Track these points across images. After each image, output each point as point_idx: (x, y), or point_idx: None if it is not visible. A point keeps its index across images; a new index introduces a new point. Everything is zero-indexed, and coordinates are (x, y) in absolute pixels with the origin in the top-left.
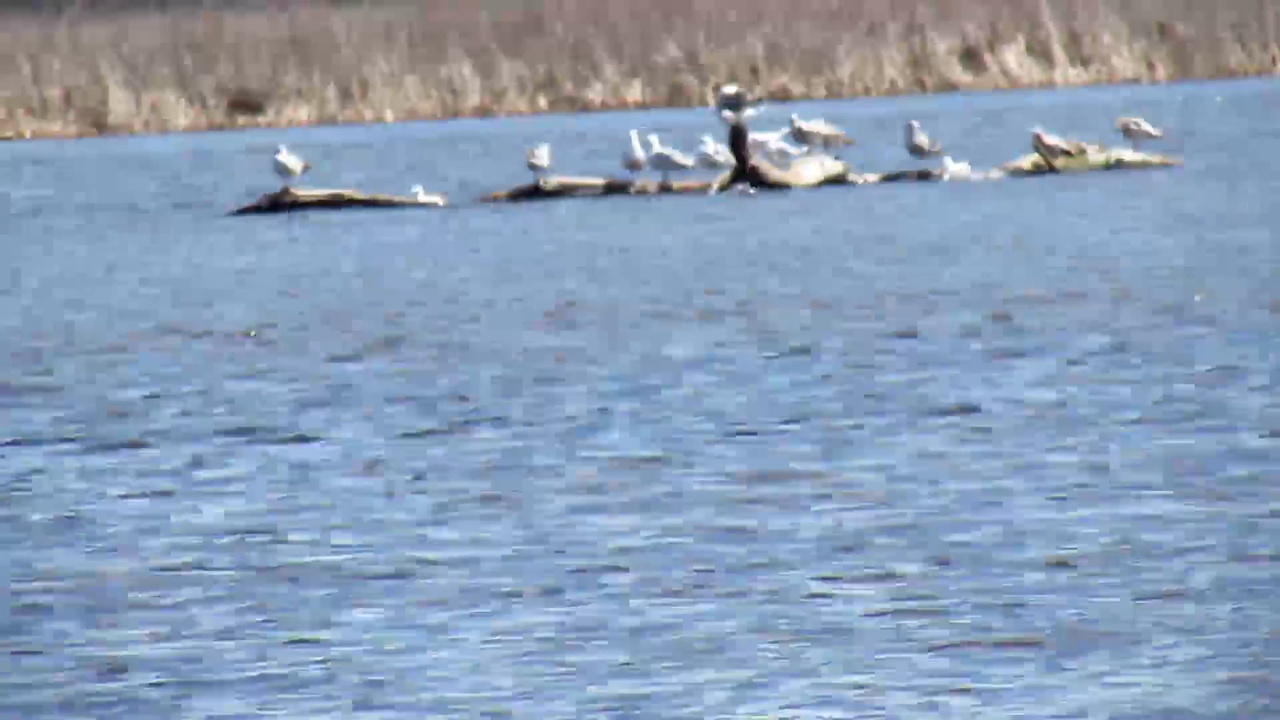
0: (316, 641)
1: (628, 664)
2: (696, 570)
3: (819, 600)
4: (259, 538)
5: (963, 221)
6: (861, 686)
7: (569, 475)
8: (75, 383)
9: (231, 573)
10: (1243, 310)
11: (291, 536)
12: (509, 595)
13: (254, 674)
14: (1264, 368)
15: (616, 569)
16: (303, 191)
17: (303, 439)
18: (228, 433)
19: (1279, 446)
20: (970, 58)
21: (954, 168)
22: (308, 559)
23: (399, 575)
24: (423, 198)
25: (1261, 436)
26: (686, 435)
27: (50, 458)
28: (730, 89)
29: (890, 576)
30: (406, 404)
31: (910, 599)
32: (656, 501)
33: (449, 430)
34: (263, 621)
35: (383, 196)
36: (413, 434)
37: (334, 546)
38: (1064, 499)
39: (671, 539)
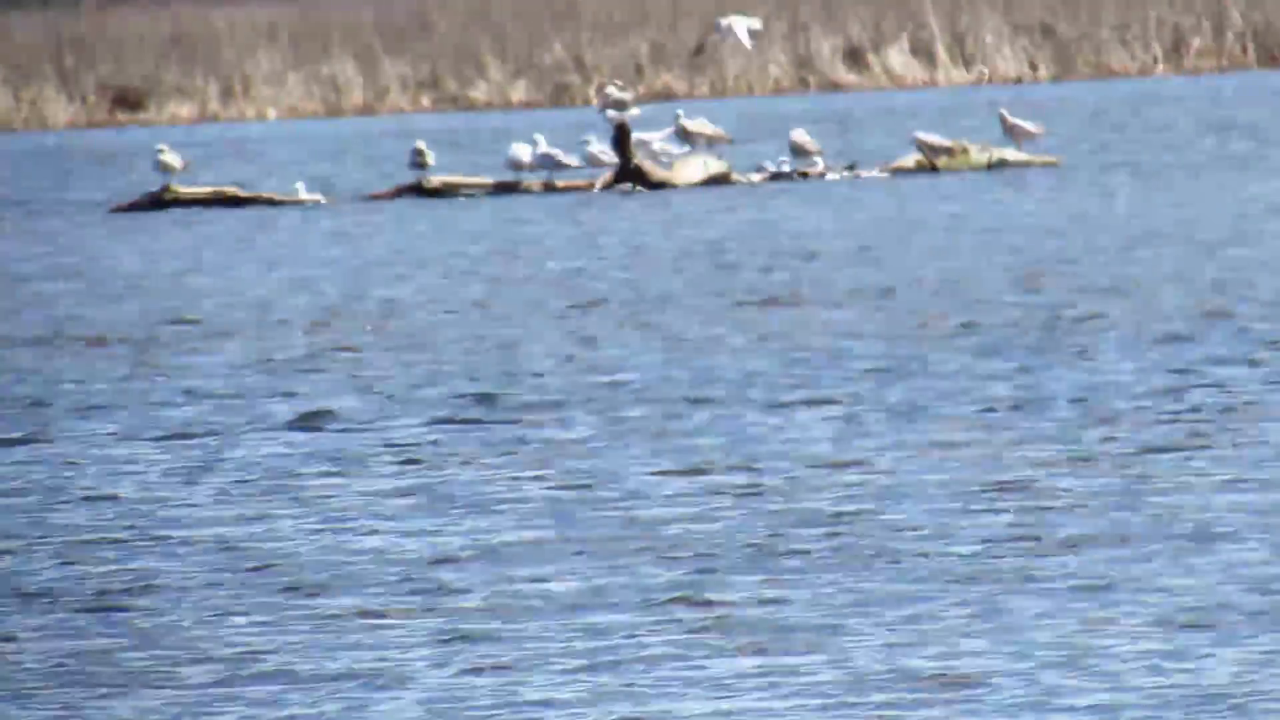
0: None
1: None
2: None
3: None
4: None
5: (837, 221)
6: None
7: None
8: None
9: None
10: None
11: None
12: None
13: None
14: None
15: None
16: (184, 189)
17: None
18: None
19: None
20: (854, 58)
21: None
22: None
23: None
24: (304, 196)
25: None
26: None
27: None
28: (614, 89)
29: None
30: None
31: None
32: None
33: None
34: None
35: (264, 194)
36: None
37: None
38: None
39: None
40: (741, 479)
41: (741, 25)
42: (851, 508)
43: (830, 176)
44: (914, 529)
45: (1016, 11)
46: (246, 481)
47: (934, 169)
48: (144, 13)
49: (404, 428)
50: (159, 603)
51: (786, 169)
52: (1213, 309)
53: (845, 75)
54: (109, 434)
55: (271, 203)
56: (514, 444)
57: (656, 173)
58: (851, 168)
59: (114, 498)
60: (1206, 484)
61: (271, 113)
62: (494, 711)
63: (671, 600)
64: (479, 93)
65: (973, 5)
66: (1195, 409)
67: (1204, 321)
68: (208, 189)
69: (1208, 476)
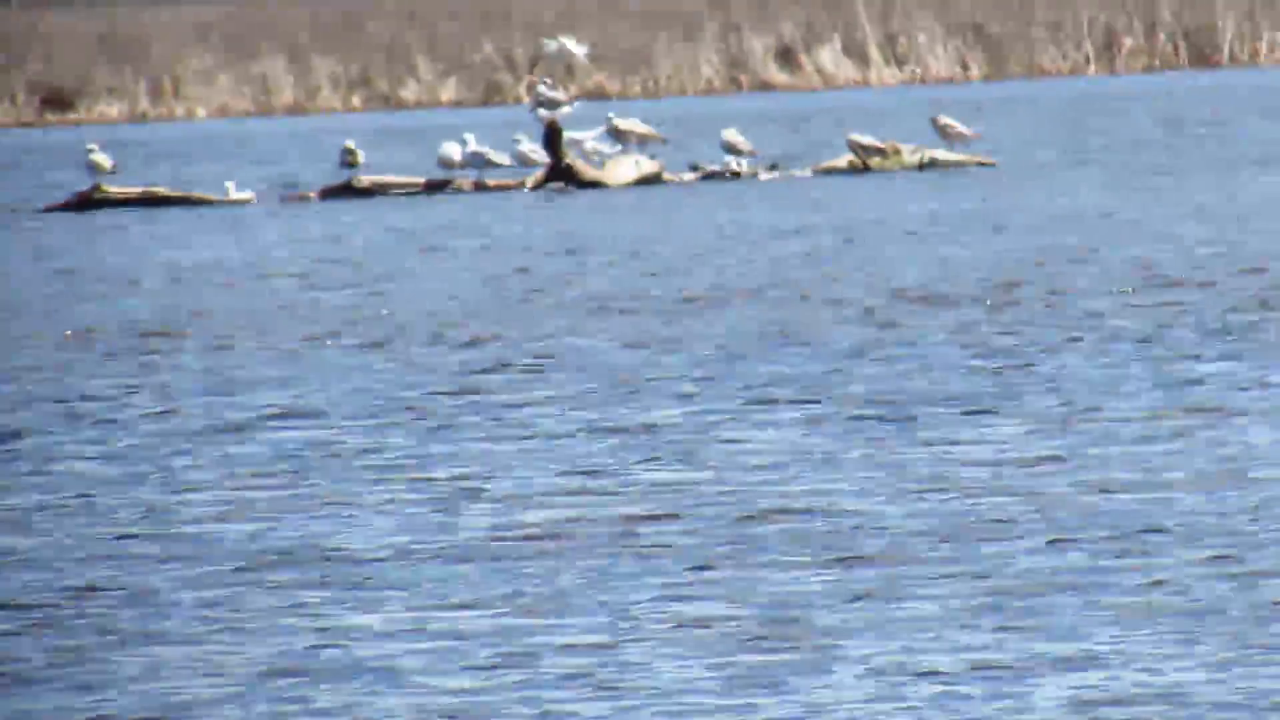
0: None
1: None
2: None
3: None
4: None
5: (771, 219)
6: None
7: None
8: None
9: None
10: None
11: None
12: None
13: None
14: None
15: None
16: (114, 189)
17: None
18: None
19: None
20: (786, 57)
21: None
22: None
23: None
24: (234, 195)
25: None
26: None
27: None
28: (546, 88)
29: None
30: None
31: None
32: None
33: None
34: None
35: (195, 194)
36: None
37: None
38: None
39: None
40: (699, 473)
41: (571, 43)
42: (803, 504)
43: (762, 176)
44: (863, 523)
45: (949, 12)
46: (199, 481)
47: (866, 169)
48: (74, 12)
49: (340, 426)
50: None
51: (719, 168)
52: (1147, 300)
53: (777, 75)
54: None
55: (201, 202)
56: (445, 449)
57: (588, 172)
58: (774, 167)
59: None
60: (1170, 479)
61: (201, 112)
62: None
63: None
64: (410, 92)
65: (905, 5)
66: (1158, 405)
67: (1132, 314)
68: (137, 189)
69: (1166, 472)
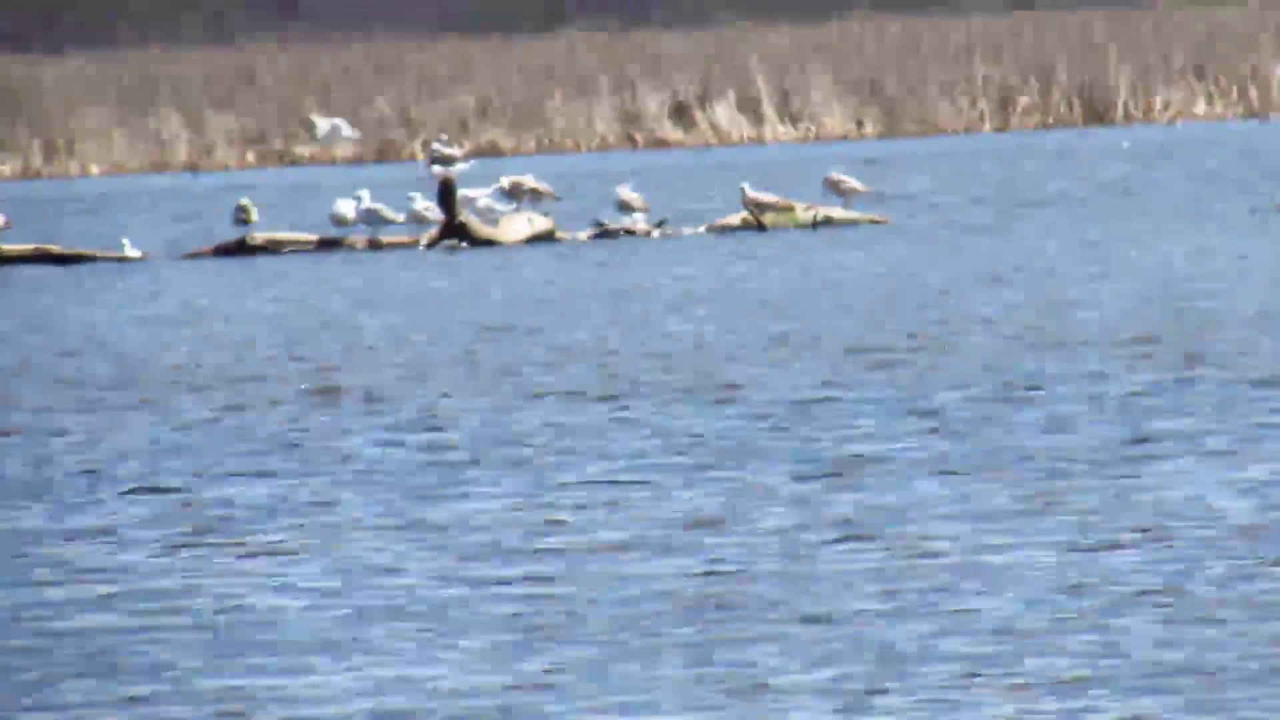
0: None
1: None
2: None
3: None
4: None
5: (666, 278)
6: None
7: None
8: None
9: None
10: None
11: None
12: None
13: None
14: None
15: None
16: (6, 246)
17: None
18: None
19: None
20: (681, 114)
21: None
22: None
23: None
24: (129, 252)
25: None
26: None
27: None
28: (441, 144)
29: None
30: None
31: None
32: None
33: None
34: None
35: (87, 251)
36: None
37: None
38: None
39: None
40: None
41: (338, 122)
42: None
43: (655, 234)
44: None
45: (844, 69)
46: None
47: (761, 226)
48: None
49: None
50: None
51: (615, 226)
52: (1044, 356)
53: (672, 132)
54: None
55: (94, 260)
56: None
57: (482, 230)
58: (660, 224)
59: None
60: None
61: (95, 169)
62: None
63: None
64: (303, 148)
65: (800, 62)
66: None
67: (1036, 364)
68: (29, 246)
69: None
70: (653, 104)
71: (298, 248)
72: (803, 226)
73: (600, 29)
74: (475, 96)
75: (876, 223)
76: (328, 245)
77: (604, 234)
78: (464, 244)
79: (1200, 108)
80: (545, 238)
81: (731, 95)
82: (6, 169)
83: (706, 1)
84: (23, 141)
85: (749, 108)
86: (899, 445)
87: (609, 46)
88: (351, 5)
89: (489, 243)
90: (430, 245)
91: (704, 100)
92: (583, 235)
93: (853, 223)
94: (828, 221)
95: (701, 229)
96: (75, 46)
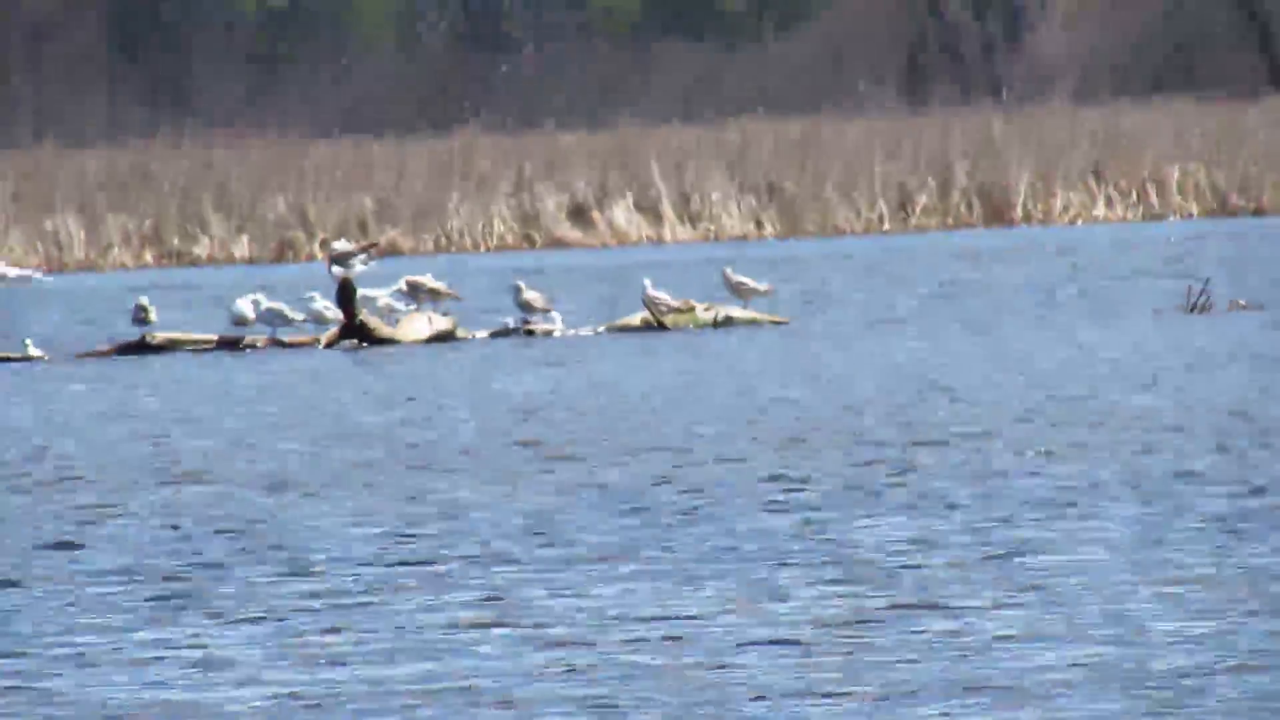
0: None
1: None
2: None
3: None
4: None
5: (564, 379)
6: None
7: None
8: None
9: None
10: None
11: None
12: None
13: None
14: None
15: None
16: None
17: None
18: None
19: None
20: (579, 214)
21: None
22: None
23: None
24: (32, 352)
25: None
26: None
27: None
28: (340, 244)
29: None
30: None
31: None
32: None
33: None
34: None
35: None
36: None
37: None
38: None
39: None
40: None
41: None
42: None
43: (557, 334)
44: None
45: (742, 170)
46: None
47: (661, 326)
48: None
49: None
50: None
51: (515, 325)
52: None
53: (570, 232)
54: None
55: None
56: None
57: (382, 329)
58: (524, 330)
59: None
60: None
61: None
62: None
63: None
64: (201, 248)
65: (698, 163)
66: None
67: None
68: None
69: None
70: (550, 204)
71: (198, 347)
72: (703, 326)
73: (497, 129)
74: (374, 196)
75: (777, 323)
76: (228, 344)
77: (501, 334)
78: (364, 344)
79: (1100, 209)
80: (446, 337)
81: (630, 195)
82: None
83: (603, 103)
84: None
85: (647, 208)
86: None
87: (506, 147)
88: (246, 104)
89: (389, 342)
90: (330, 345)
91: (602, 200)
92: (482, 334)
93: (753, 322)
94: (728, 321)
95: (602, 328)
96: None
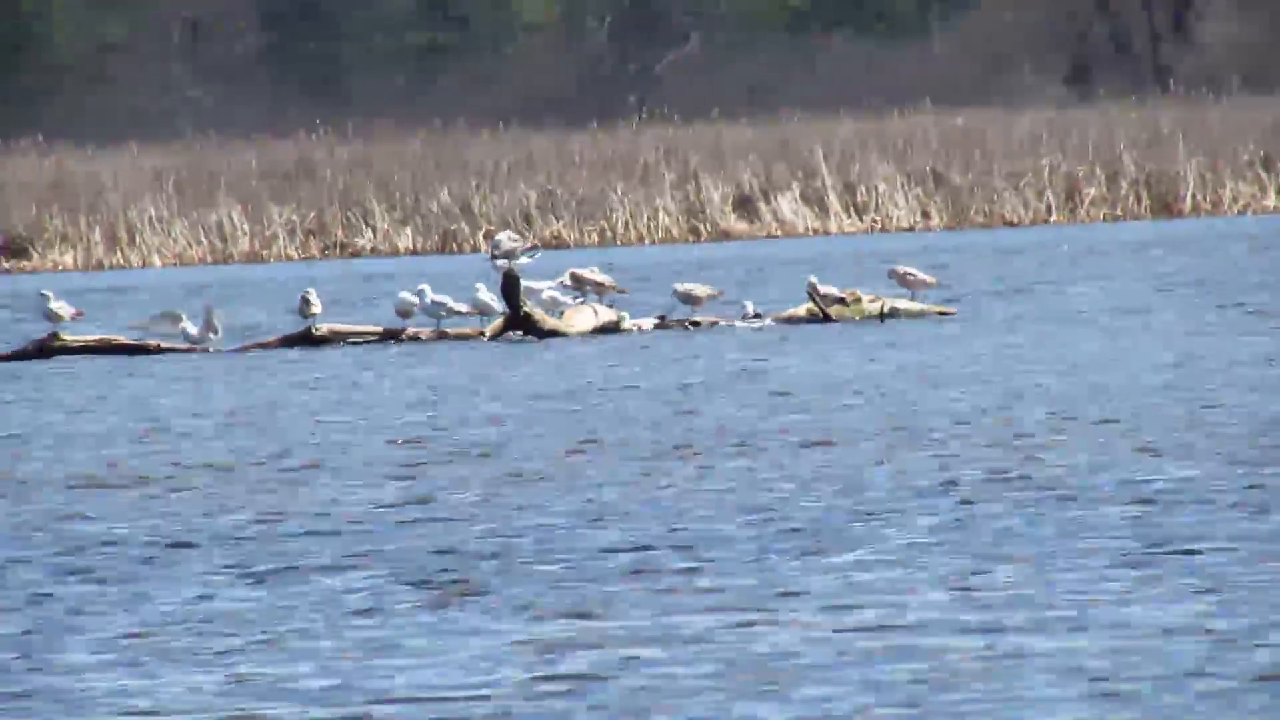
0: None
1: None
2: None
3: None
4: None
5: (731, 368)
6: None
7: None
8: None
9: None
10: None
11: None
12: None
13: None
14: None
15: None
16: (71, 337)
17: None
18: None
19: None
20: (744, 206)
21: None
22: None
23: None
24: (194, 328)
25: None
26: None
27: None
28: (504, 235)
29: None
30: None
31: None
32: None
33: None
34: None
35: (150, 343)
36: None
37: None
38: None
39: None
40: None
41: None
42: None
43: (722, 325)
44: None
45: (909, 160)
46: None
47: (826, 318)
48: (26, 159)
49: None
50: None
51: (681, 317)
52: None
53: (736, 223)
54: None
55: (158, 351)
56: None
57: (547, 321)
58: (689, 322)
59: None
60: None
61: (157, 260)
62: None
63: None
64: (365, 240)
65: (864, 154)
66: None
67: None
68: (94, 337)
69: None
70: (716, 196)
71: (361, 339)
72: (869, 318)
73: (662, 121)
74: (538, 189)
75: (944, 314)
76: (392, 336)
77: (666, 325)
78: (529, 335)
79: (1270, 199)
80: (611, 329)
81: (796, 187)
82: (69, 260)
83: (766, 95)
84: (85, 233)
85: (813, 199)
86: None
87: (671, 139)
88: (405, 96)
89: (554, 333)
90: (494, 336)
91: (768, 192)
92: (647, 325)
93: (920, 315)
94: (894, 314)
95: (768, 320)
96: (133, 137)
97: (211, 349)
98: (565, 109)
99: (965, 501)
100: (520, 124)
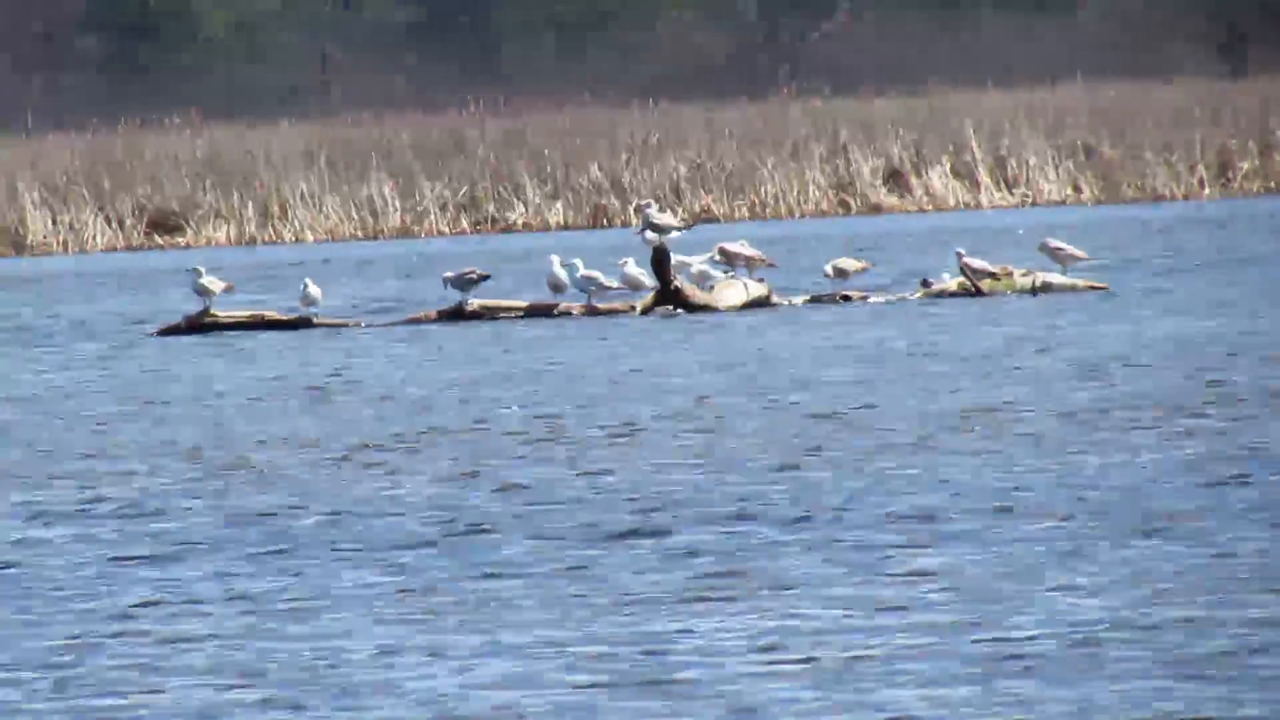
0: None
1: None
2: None
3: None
4: None
5: (888, 342)
6: None
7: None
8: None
9: None
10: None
11: None
12: None
13: None
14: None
15: None
16: (223, 313)
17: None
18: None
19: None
20: (895, 179)
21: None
22: None
23: None
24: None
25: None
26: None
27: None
28: (653, 209)
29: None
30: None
31: None
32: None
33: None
34: None
35: (303, 317)
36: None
37: None
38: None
39: None
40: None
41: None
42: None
43: (873, 300)
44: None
45: (1060, 134)
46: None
47: (978, 292)
48: (180, 135)
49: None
50: None
51: (832, 291)
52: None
53: (886, 197)
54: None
55: (310, 325)
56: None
57: (697, 295)
58: (840, 296)
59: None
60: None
61: (310, 235)
62: None
63: None
64: (516, 215)
65: (1015, 127)
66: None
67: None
68: (247, 312)
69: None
70: (866, 169)
71: (513, 314)
72: (1021, 292)
73: (812, 94)
74: (687, 163)
75: (1095, 289)
76: (541, 311)
77: (818, 299)
78: (679, 310)
79: None
80: (761, 303)
81: (946, 161)
82: (222, 235)
83: (915, 67)
84: (238, 208)
85: (964, 173)
86: None
87: (821, 112)
88: (555, 70)
89: (705, 308)
90: (645, 311)
91: (918, 165)
92: (798, 300)
93: (1071, 289)
94: (1047, 288)
95: (918, 294)
96: (285, 112)
97: (315, 319)
98: (715, 82)
99: None
100: (670, 97)
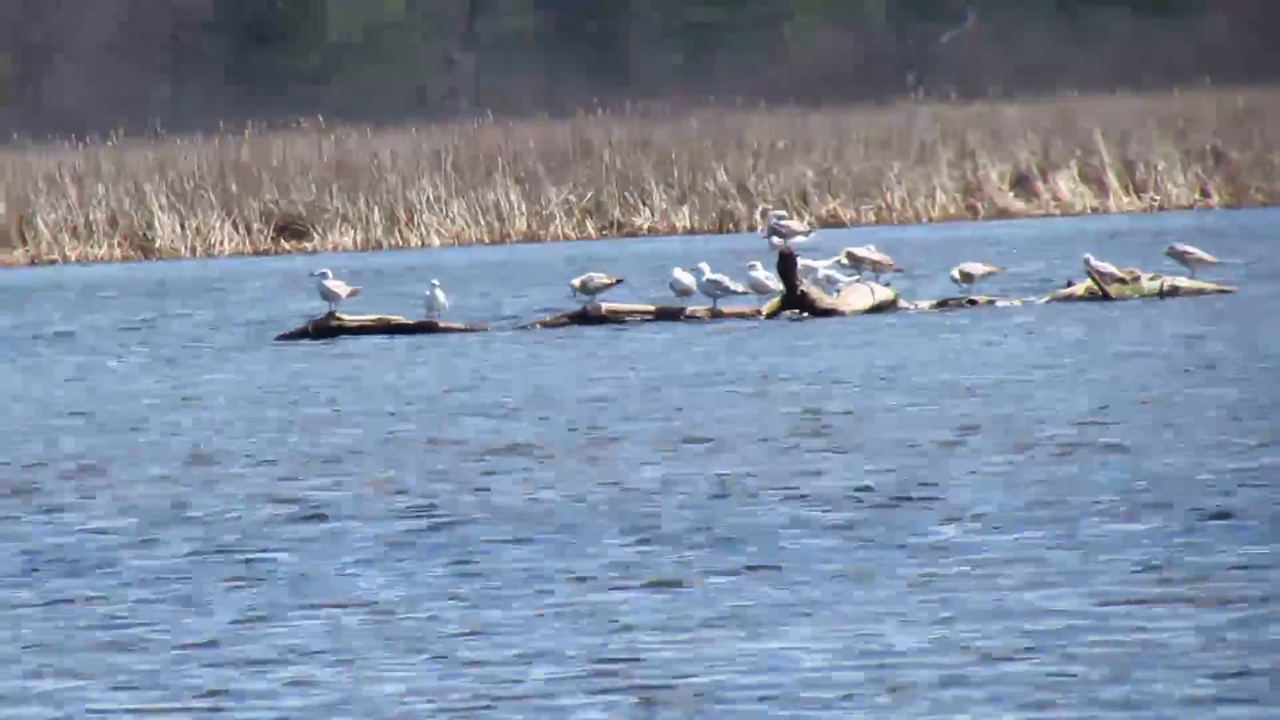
0: None
1: None
2: None
3: None
4: None
5: (1009, 350)
6: None
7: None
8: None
9: None
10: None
11: None
12: None
13: None
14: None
15: None
16: (349, 317)
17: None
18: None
19: None
20: (1022, 184)
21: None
22: None
23: None
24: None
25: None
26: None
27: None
28: (779, 213)
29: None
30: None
31: None
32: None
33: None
34: None
35: (429, 322)
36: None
37: None
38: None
39: None
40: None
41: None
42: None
43: (1000, 304)
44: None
45: (1188, 138)
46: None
47: (1106, 297)
48: (307, 139)
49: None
50: None
51: (959, 295)
52: None
53: (1013, 202)
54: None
55: (436, 330)
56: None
57: (823, 299)
58: (967, 300)
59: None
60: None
61: (436, 240)
62: None
63: None
64: (643, 219)
65: (1143, 131)
66: None
67: None
68: (372, 317)
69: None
70: (993, 174)
71: (640, 317)
72: (1149, 296)
73: (938, 99)
74: (814, 168)
75: (1223, 292)
76: (669, 315)
77: (945, 304)
78: (805, 314)
79: None
80: (887, 307)
81: (1073, 165)
82: (349, 240)
83: (1041, 72)
84: (364, 213)
85: (1091, 177)
86: None
87: (947, 117)
88: (683, 74)
89: (831, 312)
90: (771, 315)
91: (1045, 170)
92: (924, 304)
93: (1199, 292)
94: (1175, 291)
95: (1045, 298)
96: (411, 117)
97: (441, 322)
98: (842, 87)
99: None
100: (797, 102)
